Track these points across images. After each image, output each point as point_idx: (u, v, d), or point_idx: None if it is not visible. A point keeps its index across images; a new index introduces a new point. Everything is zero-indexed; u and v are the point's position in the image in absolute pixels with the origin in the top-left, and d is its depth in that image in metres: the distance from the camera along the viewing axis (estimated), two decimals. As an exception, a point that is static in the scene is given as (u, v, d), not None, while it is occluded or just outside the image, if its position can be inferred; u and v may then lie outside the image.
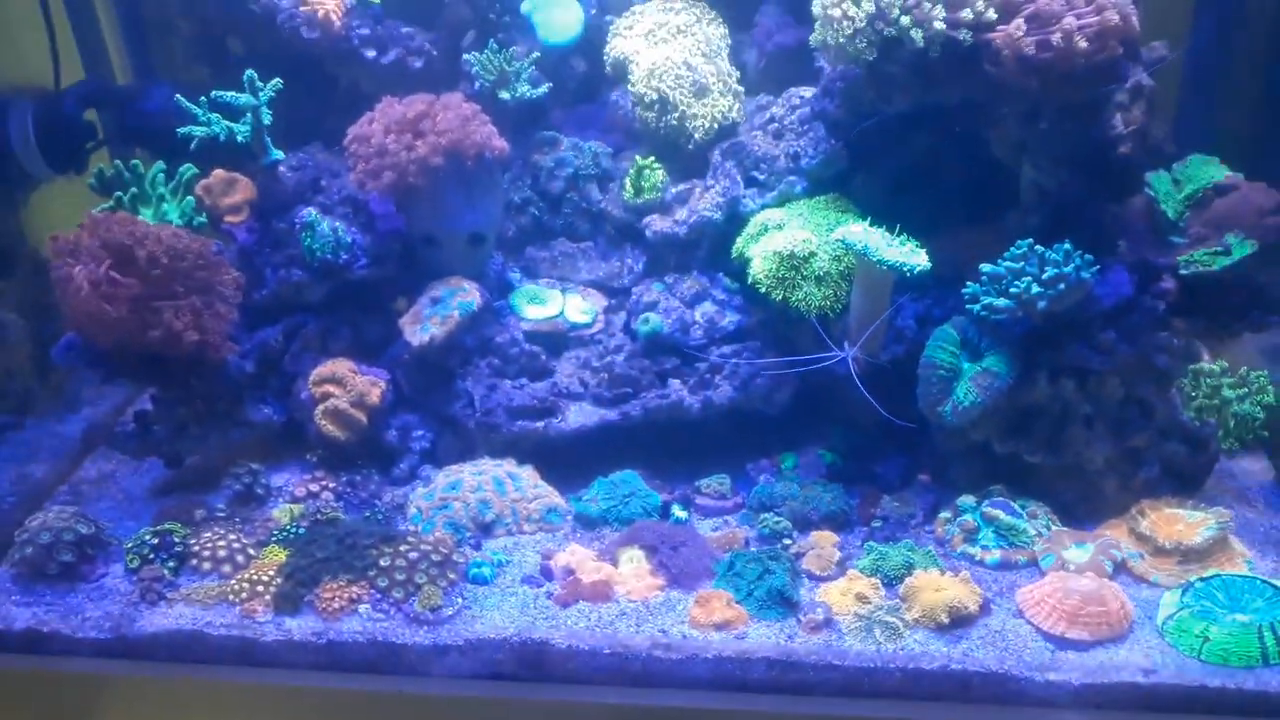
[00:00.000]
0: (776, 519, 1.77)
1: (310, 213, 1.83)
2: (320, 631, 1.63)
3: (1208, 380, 1.94)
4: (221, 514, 1.86)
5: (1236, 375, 1.97)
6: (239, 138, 1.80)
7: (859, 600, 1.61)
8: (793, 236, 1.76)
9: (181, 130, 1.80)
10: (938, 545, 1.73)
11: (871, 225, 1.71)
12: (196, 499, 1.89)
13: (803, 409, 1.91)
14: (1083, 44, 1.60)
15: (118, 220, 1.65)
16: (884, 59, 1.71)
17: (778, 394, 1.86)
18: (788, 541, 1.74)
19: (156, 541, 1.76)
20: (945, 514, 1.76)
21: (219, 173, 1.87)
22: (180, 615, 1.67)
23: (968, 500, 1.74)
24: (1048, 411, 1.68)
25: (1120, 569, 1.63)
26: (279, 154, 1.85)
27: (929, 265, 1.66)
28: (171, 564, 1.75)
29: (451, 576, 1.70)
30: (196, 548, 1.76)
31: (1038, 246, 1.61)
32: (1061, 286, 1.58)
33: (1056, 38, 1.60)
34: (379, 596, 1.67)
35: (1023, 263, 1.61)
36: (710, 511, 1.85)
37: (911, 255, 1.65)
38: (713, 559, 1.71)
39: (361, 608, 1.66)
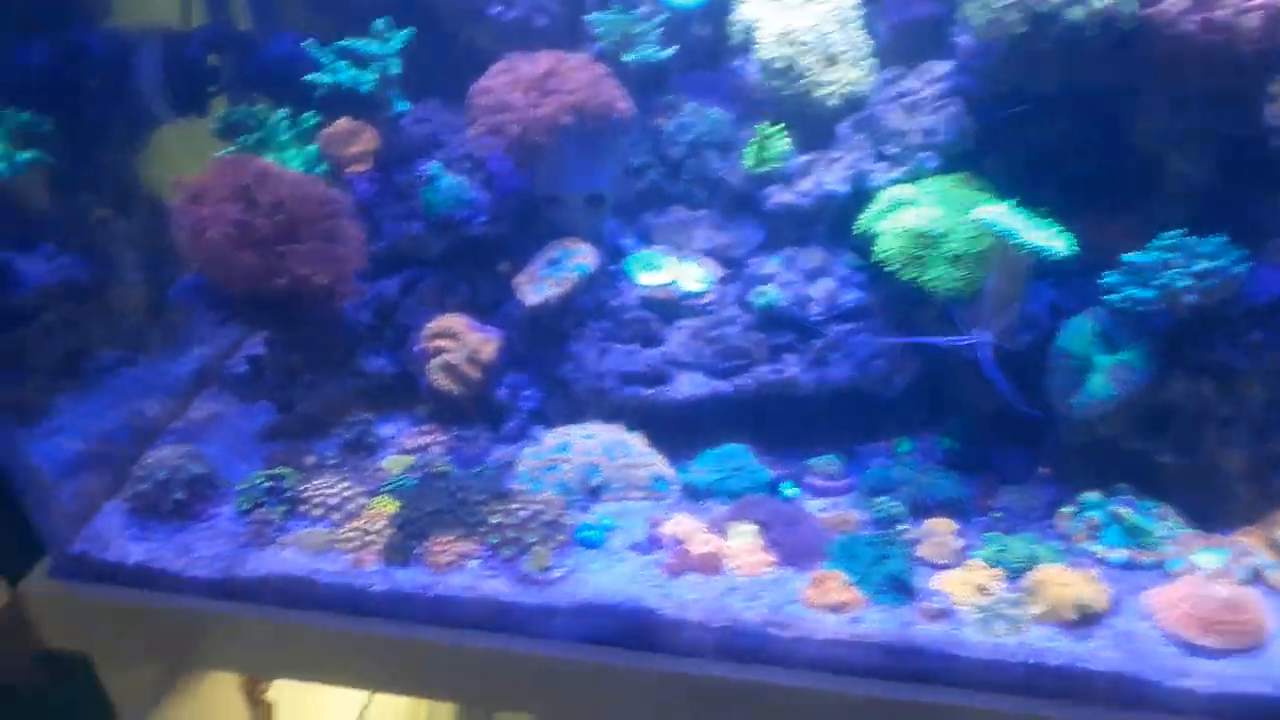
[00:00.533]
0: (892, 503, 1.73)
1: (435, 166, 1.82)
2: (428, 585, 1.64)
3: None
4: (332, 461, 1.87)
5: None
6: (364, 87, 1.79)
7: (980, 591, 1.57)
8: (927, 214, 1.71)
9: (308, 77, 1.79)
10: (1059, 540, 1.68)
11: (1012, 207, 1.66)
12: (306, 445, 1.91)
13: (918, 394, 1.87)
14: (1252, 23, 1.53)
15: (247, 164, 1.65)
16: (1034, 35, 1.64)
17: (897, 376, 1.82)
18: (902, 527, 1.71)
19: (269, 485, 1.78)
20: (1068, 509, 1.71)
21: (343, 122, 1.87)
22: (290, 560, 1.69)
23: (1092, 496, 1.69)
24: (1183, 411, 1.62)
25: (1255, 579, 1.58)
26: (405, 105, 1.84)
27: (1072, 251, 1.60)
28: (282, 508, 1.77)
29: (561, 538, 1.70)
30: (308, 494, 1.78)
31: (1188, 237, 1.54)
32: (1213, 281, 1.51)
33: (1223, 15, 1.52)
34: (489, 553, 1.67)
35: (1170, 254, 1.55)
36: (819, 491, 1.82)
37: (1054, 240, 1.60)
38: (825, 540, 1.69)
39: (471, 563, 1.66)
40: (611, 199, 1.95)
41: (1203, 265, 1.52)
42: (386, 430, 1.95)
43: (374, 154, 1.87)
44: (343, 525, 1.74)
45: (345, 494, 1.77)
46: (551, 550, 1.67)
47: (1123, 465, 1.71)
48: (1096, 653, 1.47)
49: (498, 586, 1.63)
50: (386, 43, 1.77)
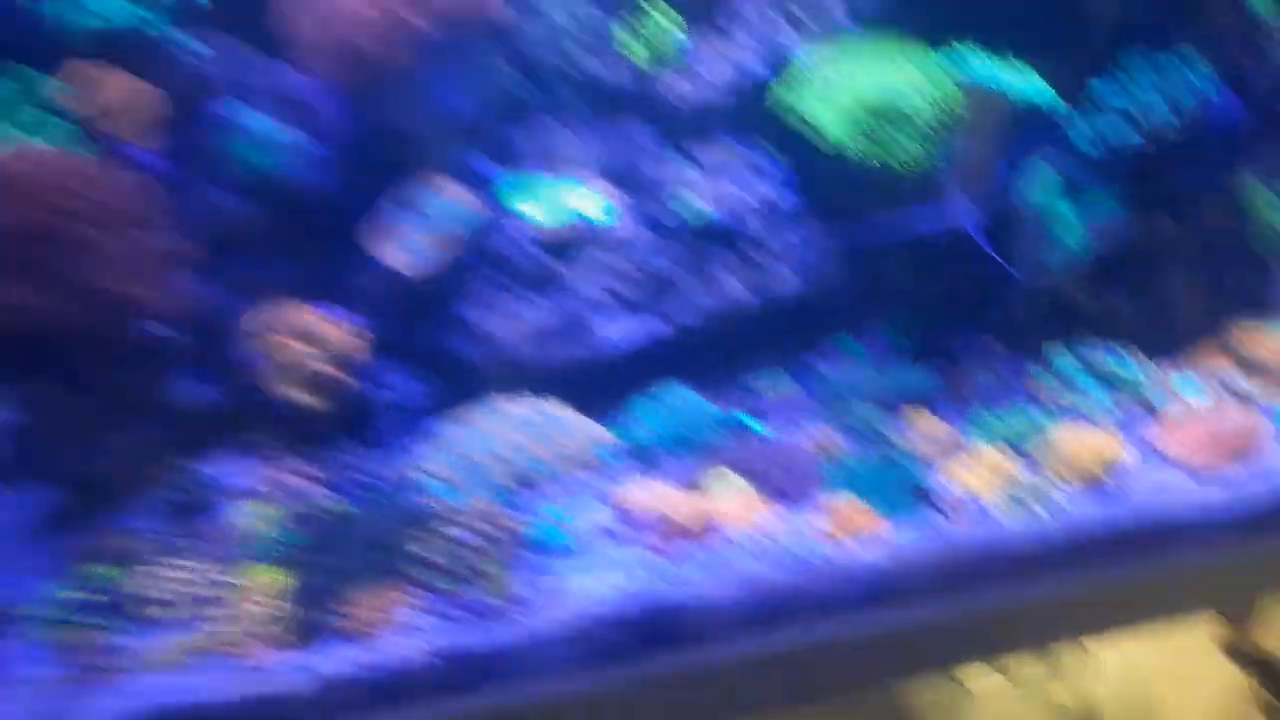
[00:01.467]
0: (864, 409, 1.55)
1: (235, 108, 1.29)
2: (361, 659, 1.22)
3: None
4: (158, 538, 1.34)
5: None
6: (136, 24, 1.21)
7: (996, 473, 1.44)
8: (874, 81, 1.48)
9: (68, 24, 1.16)
10: (1038, 404, 1.59)
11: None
12: (113, 524, 1.35)
13: (851, 287, 1.67)
14: None
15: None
16: None
17: (837, 273, 1.61)
18: (885, 431, 1.53)
19: (83, 598, 1.22)
20: (1036, 370, 1.62)
21: (105, 76, 1.26)
22: (156, 687, 1.18)
23: (1058, 353, 1.61)
24: (1142, 249, 1.57)
25: (1233, 392, 1.58)
26: (189, 41, 1.27)
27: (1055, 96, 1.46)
28: (114, 622, 1.23)
29: (515, 550, 1.33)
30: (150, 592, 1.25)
31: (1157, 57, 1.45)
32: (1186, 103, 1.43)
33: None
34: (432, 596, 1.27)
35: (1135, 80, 1.45)
36: (777, 414, 1.59)
37: (1037, 83, 1.45)
38: (815, 466, 1.47)
39: (411, 615, 1.26)
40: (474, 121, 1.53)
41: (1170, 85, 1.43)
42: (222, 475, 1.44)
43: (153, 111, 1.29)
44: (213, 620, 1.24)
45: (208, 576, 1.27)
46: (508, 568, 1.30)
47: (1072, 317, 1.64)
48: (1133, 499, 1.41)
49: (455, 633, 1.24)
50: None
